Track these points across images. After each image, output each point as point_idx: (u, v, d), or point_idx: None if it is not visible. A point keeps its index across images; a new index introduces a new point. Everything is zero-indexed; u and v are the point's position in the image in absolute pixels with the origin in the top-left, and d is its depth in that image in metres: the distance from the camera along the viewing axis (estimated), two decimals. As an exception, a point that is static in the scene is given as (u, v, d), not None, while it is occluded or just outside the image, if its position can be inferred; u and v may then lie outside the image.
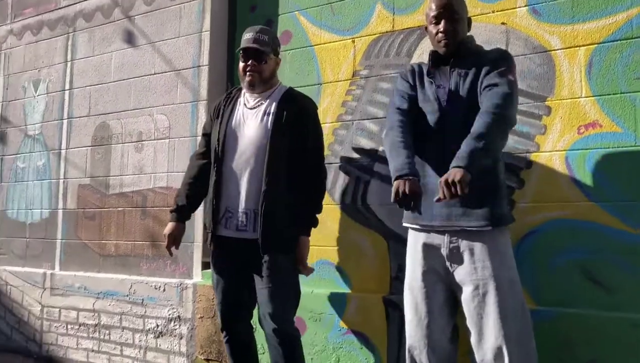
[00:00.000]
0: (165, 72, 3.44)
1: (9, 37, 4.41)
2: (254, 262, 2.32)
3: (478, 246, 1.90)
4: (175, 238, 2.52)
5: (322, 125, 2.69)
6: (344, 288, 2.68)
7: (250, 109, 2.42)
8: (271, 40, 2.43)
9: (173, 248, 2.54)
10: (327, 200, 2.73)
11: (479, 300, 1.89)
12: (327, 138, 2.75)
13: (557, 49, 2.25)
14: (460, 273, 1.93)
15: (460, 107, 1.95)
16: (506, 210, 1.98)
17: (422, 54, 2.55)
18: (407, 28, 2.62)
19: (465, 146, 1.77)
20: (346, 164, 2.73)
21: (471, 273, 1.90)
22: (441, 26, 1.98)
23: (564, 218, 2.18)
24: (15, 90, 4.32)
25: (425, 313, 1.99)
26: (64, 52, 4.02)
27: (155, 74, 3.49)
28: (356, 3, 2.78)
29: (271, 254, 2.29)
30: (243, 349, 2.47)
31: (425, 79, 2.05)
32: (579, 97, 2.19)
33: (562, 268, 2.18)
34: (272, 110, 2.37)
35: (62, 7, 4.07)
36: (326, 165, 2.70)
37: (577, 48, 2.21)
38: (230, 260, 2.40)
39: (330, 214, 2.72)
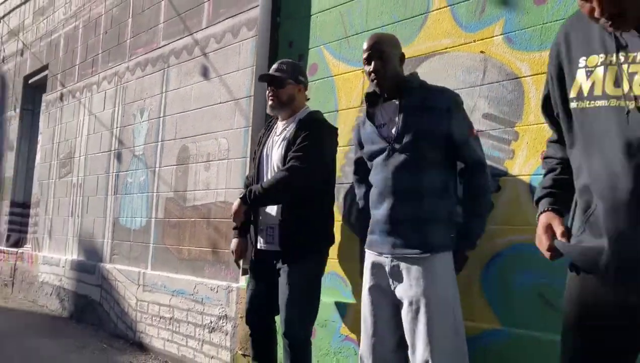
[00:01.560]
0: (228, 101, 3.96)
1: (126, 73, 5.30)
2: (278, 271, 2.65)
3: (414, 267, 2.07)
4: (240, 253, 2.91)
5: (337, 147, 2.99)
6: (346, 298, 2.92)
7: (278, 135, 2.78)
8: (290, 68, 2.77)
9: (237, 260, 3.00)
10: (337, 217, 3.01)
11: (412, 315, 2.05)
12: (340, 160, 3.01)
13: (527, 76, 2.30)
14: (399, 290, 2.11)
15: (408, 141, 2.11)
16: (443, 238, 2.10)
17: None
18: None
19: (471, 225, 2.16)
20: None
21: (407, 290, 2.08)
22: (371, 66, 2.18)
23: (527, 242, 2.22)
24: (128, 117, 5.17)
25: (371, 325, 2.19)
26: (160, 85, 4.75)
27: (221, 103, 4.03)
28: (367, 36, 3.01)
29: (289, 264, 2.61)
30: (262, 343, 2.81)
31: (367, 123, 2.27)
32: (543, 123, 2.21)
33: (523, 291, 2.22)
34: (289, 136, 2.68)
35: (160, 47, 4.81)
36: (338, 185, 2.99)
37: (544, 74, 2.23)
38: (261, 268, 2.76)
39: (339, 230, 2.98)
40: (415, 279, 2.05)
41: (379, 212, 2.19)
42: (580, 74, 1.27)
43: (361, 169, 2.46)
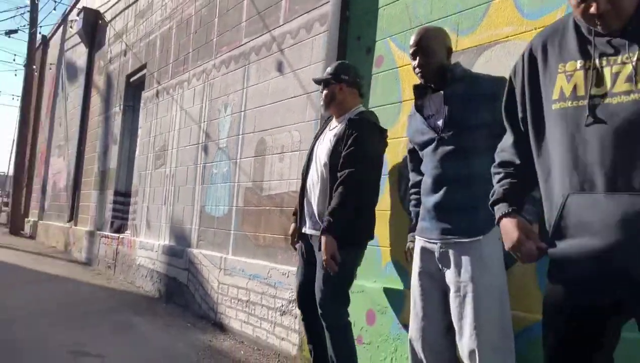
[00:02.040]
0: (300, 95, 4.11)
1: (213, 70, 5.61)
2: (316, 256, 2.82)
3: (462, 252, 2.11)
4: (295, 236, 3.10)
5: (399, 139, 3.06)
6: (405, 287, 2.96)
7: (330, 130, 2.96)
8: (334, 69, 2.95)
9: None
10: (398, 206, 3.07)
11: (459, 301, 2.08)
12: (402, 151, 3.07)
13: (587, 63, 2.23)
14: (448, 276, 2.16)
15: (455, 130, 2.19)
16: (491, 218, 2.09)
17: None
18: (466, 48, 2.79)
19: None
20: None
21: (455, 276, 2.11)
22: (416, 61, 2.27)
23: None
24: (213, 112, 5.49)
25: (420, 309, 2.25)
26: (242, 81, 5.00)
27: (294, 97, 4.19)
28: (430, 27, 3.03)
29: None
30: (313, 326, 2.95)
31: (417, 115, 2.32)
32: (603, 111, 2.15)
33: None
34: (338, 133, 2.85)
35: (242, 45, 5.06)
36: (398, 175, 3.06)
37: (605, 61, 2.17)
38: (306, 253, 2.96)
39: (400, 219, 3.04)
40: (463, 265, 2.09)
41: (429, 199, 2.25)
42: (561, 78, 1.39)
43: (414, 159, 2.51)
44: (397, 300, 2.95)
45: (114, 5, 9.43)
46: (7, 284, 6.38)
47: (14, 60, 33.80)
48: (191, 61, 6.15)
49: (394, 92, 3.23)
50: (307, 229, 2.92)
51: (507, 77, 2.25)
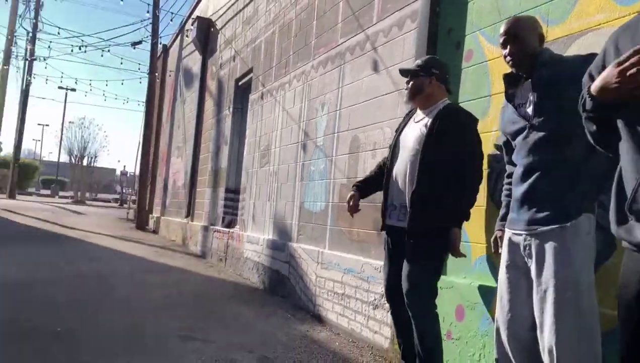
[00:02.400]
0: (392, 92, 4.16)
1: (311, 71, 5.81)
2: (404, 247, 2.87)
3: (545, 245, 2.07)
4: (353, 203, 3.24)
5: (488, 133, 3.04)
6: (495, 283, 2.91)
7: (416, 122, 2.99)
8: (424, 62, 3.00)
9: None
10: (488, 201, 3.04)
11: (541, 296, 2.05)
12: (492, 145, 3.02)
13: (685, 47, 2.08)
14: (532, 269, 2.12)
15: (545, 116, 2.14)
16: (581, 205, 2.03)
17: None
18: (557, 38, 2.70)
19: None
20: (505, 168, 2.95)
21: (538, 270, 2.08)
22: (507, 50, 2.25)
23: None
24: (312, 111, 5.68)
25: (507, 302, 2.23)
26: (337, 81, 5.14)
27: (386, 94, 4.24)
28: (519, 18, 2.96)
29: (413, 241, 2.81)
30: (401, 319, 3.01)
31: (508, 105, 2.29)
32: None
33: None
34: (428, 123, 2.88)
35: (338, 45, 5.19)
36: (488, 169, 3.03)
37: None
38: (391, 245, 3.02)
39: (491, 215, 3.00)
40: (546, 258, 2.05)
41: (518, 189, 2.23)
42: None
43: (509, 151, 2.48)
44: (487, 296, 2.92)
45: (224, 13, 9.99)
46: (131, 274, 7.04)
47: (139, 69, 36.91)
48: (292, 63, 6.40)
49: (483, 85, 3.19)
50: (393, 221, 2.97)
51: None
